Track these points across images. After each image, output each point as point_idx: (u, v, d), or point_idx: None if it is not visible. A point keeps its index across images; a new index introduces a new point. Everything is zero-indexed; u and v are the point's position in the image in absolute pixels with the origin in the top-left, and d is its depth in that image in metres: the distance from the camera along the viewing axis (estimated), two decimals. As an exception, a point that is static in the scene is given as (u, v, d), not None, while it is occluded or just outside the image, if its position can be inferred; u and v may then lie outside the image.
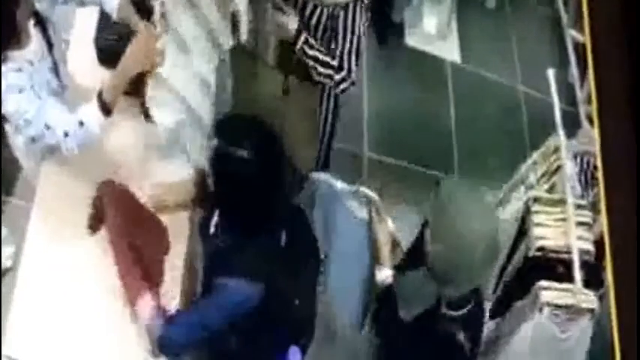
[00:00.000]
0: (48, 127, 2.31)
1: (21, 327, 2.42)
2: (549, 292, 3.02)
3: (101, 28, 2.84)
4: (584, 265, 3.02)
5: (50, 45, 2.47)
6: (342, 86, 2.98)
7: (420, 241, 2.35)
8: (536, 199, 3.25)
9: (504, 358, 3.30)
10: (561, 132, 3.33)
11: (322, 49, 2.94)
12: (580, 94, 4.78)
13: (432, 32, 5.26)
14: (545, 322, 3.01)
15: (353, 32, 2.93)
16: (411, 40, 5.19)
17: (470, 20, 5.39)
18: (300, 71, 3.00)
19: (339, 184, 2.59)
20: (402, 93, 4.89)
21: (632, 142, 1.80)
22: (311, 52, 2.89)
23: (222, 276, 2.17)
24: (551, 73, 3.50)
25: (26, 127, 2.32)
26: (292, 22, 2.86)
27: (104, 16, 2.79)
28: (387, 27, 5.07)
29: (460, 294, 2.30)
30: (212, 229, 2.30)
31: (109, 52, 2.78)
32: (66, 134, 2.34)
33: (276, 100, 3.09)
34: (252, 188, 2.13)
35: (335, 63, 2.93)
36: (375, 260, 2.58)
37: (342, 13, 2.91)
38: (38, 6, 2.41)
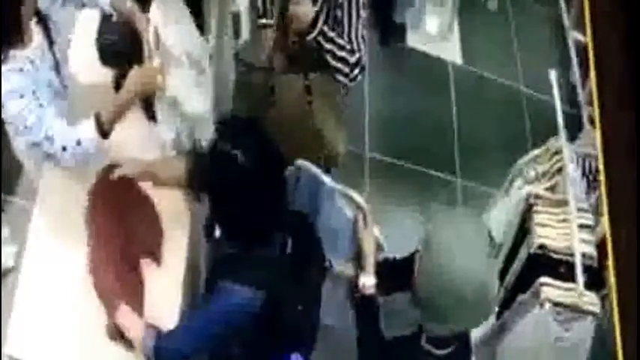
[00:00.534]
0: (47, 138, 2.33)
1: (23, 326, 2.42)
2: (550, 288, 3.01)
3: (103, 28, 2.84)
4: (587, 268, 3.02)
5: (51, 43, 2.47)
6: (356, 71, 2.96)
7: (411, 261, 2.30)
8: (537, 197, 3.25)
9: (505, 352, 3.30)
10: (563, 133, 3.32)
11: (333, 34, 2.93)
12: (582, 96, 4.78)
13: (434, 33, 5.26)
14: (547, 318, 2.99)
15: (358, 16, 2.94)
16: (413, 41, 5.19)
17: (472, 21, 5.39)
18: (315, 64, 2.99)
19: (326, 179, 2.52)
20: (404, 94, 4.90)
21: (634, 143, 1.80)
22: (330, 35, 2.88)
23: (225, 280, 2.16)
24: (553, 74, 3.50)
25: (27, 132, 2.32)
26: (309, 10, 2.84)
27: (105, 17, 2.79)
28: (389, 28, 5.08)
29: (442, 332, 2.20)
30: (217, 233, 2.29)
31: (110, 53, 2.78)
32: (64, 148, 2.35)
33: (300, 100, 3.09)
34: (247, 192, 2.08)
35: (348, 46, 2.93)
36: (358, 265, 2.50)
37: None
38: (40, 4, 2.41)
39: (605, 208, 1.82)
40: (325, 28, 2.87)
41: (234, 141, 2.06)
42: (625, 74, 1.81)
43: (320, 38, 2.86)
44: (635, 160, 1.76)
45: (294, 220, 2.32)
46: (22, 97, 2.28)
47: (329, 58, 2.91)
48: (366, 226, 2.50)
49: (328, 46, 2.89)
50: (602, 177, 1.89)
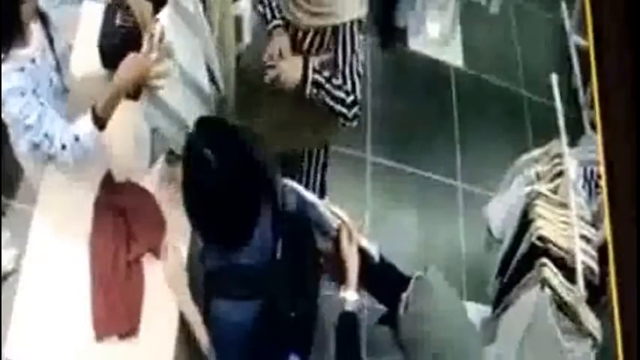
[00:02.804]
0: (47, 136, 2.32)
1: (23, 330, 2.42)
2: (550, 272, 3.01)
3: (105, 31, 2.84)
4: (587, 283, 3.01)
5: (51, 41, 2.47)
6: (354, 110, 2.87)
7: (406, 283, 2.30)
8: (540, 194, 3.25)
9: (504, 327, 3.31)
10: (564, 137, 3.32)
11: (328, 73, 2.86)
12: (583, 100, 4.78)
13: (436, 37, 5.26)
14: (545, 302, 2.98)
15: (353, 51, 2.87)
16: (415, 44, 5.19)
17: (473, 25, 5.39)
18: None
19: (309, 196, 2.47)
20: (406, 97, 4.90)
21: (635, 147, 1.79)
22: (325, 74, 2.82)
23: (217, 298, 2.15)
24: (554, 78, 3.50)
25: (27, 131, 2.32)
26: (295, 71, 2.79)
27: (108, 20, 2.79)
28: (390, 32, 5.08)
29: None
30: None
31: (112, 56, 2.78)
32: (63, 147, 2.35)
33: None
34: (218, 196, 2.02)
35: (344, 87, 2.85)
36: (341, 282, 2.39)
37: (340, 34, 2.87)
38: (39, 2, 2.41)
39: (606, 214, 1.82)
40: (317, 77, 2.80)
41: (208, 142, 1.99)
42: (626, 78, 1.81)
43: (315, 89, 2.81)
44: (637, 164, 1.76)
45: (285, 223, 2.25)
46: (22, 95, 2.28)
47: (327, 99, 2.83)
48: (351, 241, 2.41)
49: (327, 86, 2.82)
50: (603, 182, 1.88)
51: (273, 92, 2.96)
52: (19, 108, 2.28)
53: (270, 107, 3.06)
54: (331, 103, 2.85)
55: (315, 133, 3.17)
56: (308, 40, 2.91)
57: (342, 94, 2.84)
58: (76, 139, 2.35)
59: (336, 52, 2.88)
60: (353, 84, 2.87)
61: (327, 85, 2.83)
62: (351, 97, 2.86)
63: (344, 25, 2.86)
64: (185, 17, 2.55)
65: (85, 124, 2.36)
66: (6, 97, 2.27)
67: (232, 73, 3.26)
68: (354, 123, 2.93)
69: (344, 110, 2.86)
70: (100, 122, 2.36)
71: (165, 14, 2.45)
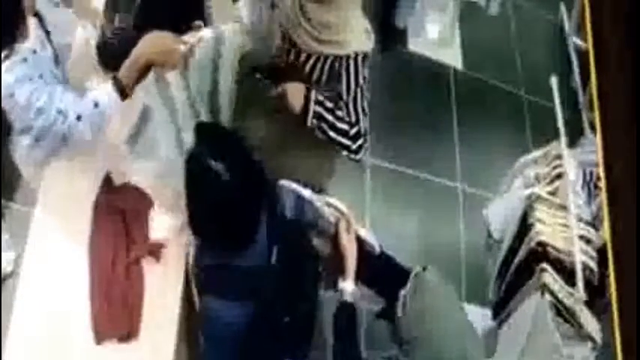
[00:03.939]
0: (59, 112, 2.28)
1: (22, 331, 2.41)
2: (550, 278, 3.02)
3: (103, 32, 2.84)
4: (587, 283, 3.01)
5: (47, 32, 2.47)
6: (359, 142, 2.82)
7: (405, 276, 2.32)
8: (539, 198, 3.25)
9: (504, 335, 3.31)
10: (563, 139, 3.32)
11: (331, 105, 2.78)
12: (583, 101, 4.79)
13: (435, 38, 5.26)
14: (545, 307, 2.98)
15: (357, 84, 2.82)
16: (414, 45, 5.19)
17: (473, 27, 5.39)
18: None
19: (306, 193, 2.48)
20: (405, 99, 4.89)
21: (635, 148, 1.80)
22: (328, 105, 2.74)
23: (208, 295, 2.14)
24: (554, 80, 3.50)
25: (37, 117, 2.28)
26: (297, 100, 2.71)
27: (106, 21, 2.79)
28: (390, 33, 5.08)
29: None
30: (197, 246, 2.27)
31: (111, 56, 2.78)
32: (79, 118, 2.30)
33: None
34: (226, 206, 2.03)
35: (347, 118, 2.80)
36: (339, 272, 2.42)
37: (344, 65, 2.79)
38: None
39: (606, 215, 1.82)
40: (319, 108, 2.73)
41: (212, 153, 1.98)
42: (626, 78, 1.81)
43: (316, 121, 2.73)
44: (636, 165, 1.76)
45: (282, 229, 2.26)
46: (31, 80, 2.27)
47: (330, 132, 2.76)
48: (349, 231, 2.44)
49: (330, 118, 2.75)
50: (602, 183, 1.88)
51: (274, 110, 2.92)
52: (30, 92, 2.25)
53: (269, 124, 3.01)
54: (334, 135, 2.78)
55: (313, 161, 3.11)
56: (309, 65, 2.86)
57: (345, 126, 2.78)
58: (95, 105, 2.30)
59: (339, 83, 2.81)
60: (357, 116, 2.82)
61: (330, 117, 2.76)
62: (355, 129, 2.81)
63: (348, 56, 2.78)
64: None
65: (104, 90, 2.32)
66: (14, 89, 2.25)
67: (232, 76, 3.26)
68: (359, 156, 2.86)
69: (348, 142, 2.80)
70: (122, 88, 2.32)
71: (209, 33, 2.43)
